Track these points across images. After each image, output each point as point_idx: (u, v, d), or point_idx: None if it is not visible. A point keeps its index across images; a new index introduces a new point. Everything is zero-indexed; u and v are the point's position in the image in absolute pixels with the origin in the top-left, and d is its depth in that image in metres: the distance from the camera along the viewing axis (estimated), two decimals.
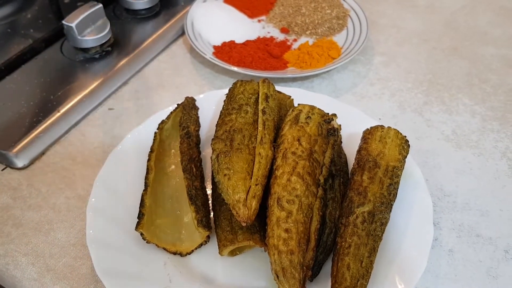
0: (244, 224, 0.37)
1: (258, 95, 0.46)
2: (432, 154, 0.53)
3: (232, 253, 0.42)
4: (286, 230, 0.37)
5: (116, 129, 0.55)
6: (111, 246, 0.42)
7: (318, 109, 0.45)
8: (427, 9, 0.76)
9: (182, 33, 0.70)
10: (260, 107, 0.44)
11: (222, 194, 0.40)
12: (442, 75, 0.64)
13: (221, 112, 0.47)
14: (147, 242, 0.41)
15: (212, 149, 0.43)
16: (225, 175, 0.39)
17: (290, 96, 0.53)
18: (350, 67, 0.64)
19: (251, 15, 0.71)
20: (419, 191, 0.45)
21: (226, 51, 0.62)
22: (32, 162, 0.52)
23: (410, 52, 0.67)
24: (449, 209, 0.48)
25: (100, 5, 0.63)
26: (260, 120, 0.43)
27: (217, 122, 0.46)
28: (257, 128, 0.43)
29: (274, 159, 0.42)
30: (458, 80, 0.63)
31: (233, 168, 0.40)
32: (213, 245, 0.43)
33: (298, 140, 0.41)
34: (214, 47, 0.64)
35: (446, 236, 0.46)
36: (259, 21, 0.70)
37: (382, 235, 0.40)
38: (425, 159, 0.52)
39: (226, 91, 0.55)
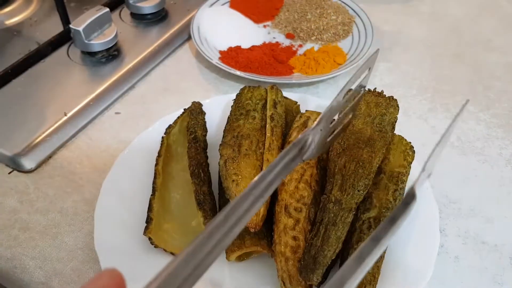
0: (252, 230, 0.38)
1: (265, 101, 0.46)
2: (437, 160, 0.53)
3: (239, 259, 0.42)
4: (294, 238, 0.37)
5: (123, 133, 0.56)
6: (119, 250, 0.42)
7: None
8: (431, 16, 0.77)
9: (188, 38, 0.70)
10: (268, 113, 0.44)
11: (230, 200, 0.40)
12: (447, 82, 0.64)
13: (228, 117, 0.48)
14: (155, 247, 0.41)
15: (220, 154, 0.43)
16: (233, 181, 0.39)
17: (297, 102, 0.53)
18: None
19: (256, 20, 0.71)
20: (425, 198, 0.46)
21: (233, 56, 0.63)
22: (39, 166, 0.52)
23: (415, 58, 0.68)
24: (454, 215, 0.48)
25: (107, 10, 0.63)
26: (268, 126, 0.43)
27: (225, 127, 0.46)
28: (265, 134, 0.43)
29: None
30: (462, 87, 0.63)
31: (241, 173, 0.40)
32: None
33: None
34: (220, 52, 0.65)
35: (452, 242, 0.46)
36: (264, 26, 0.71)
37: None
38: None
39: (232, 96, 0.56)
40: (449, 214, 0.48)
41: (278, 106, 0.46)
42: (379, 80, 0.64)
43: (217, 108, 0.55)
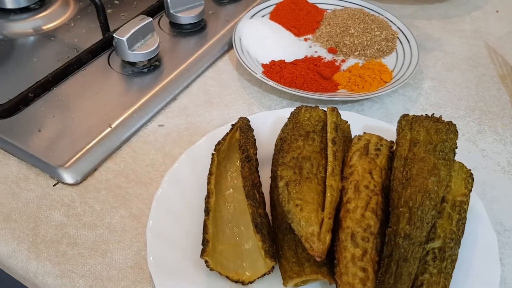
0: (318, 259, 0.37)
1: (324, 123, 0.45)
2: (489, 186, 0.52)
3: (296, 285, 0.41)
4: (363, 269, 0.36)
5: (167, 147, 0.55)
6: (172, 271, 0.41)
7: (386, 140, 0.45)
8: (472, 34, 0.76)
9: (228, 49, 0.69)
10: (330, 136, 0.43)
11: (293, 225, 0.39)
12: (493, 103, 0.63)
13: (283, 136, 0.46)
14: (210, 270, 0.40)
15: (279, 175, 0.42)
16: (297, 205, 0.38)
17: (347, 122, 0.52)
18: (400, 90, 0.63)
19: (297, 34, 0.70)
20: (482, 227, 0.45)
21: (277, 70, 0.61)
22: (84, 178, 0.51)
23: (459, 78, 0.67)
24: (510, 244, 0.47)
25: (150, 19, 0.62)
26: (330, 150, 0.42)
27: (281, 146, 0.45)
28: (325, 157, 0.42)
29: (343, 190, 0.41)
30: (509, 109, 0.62)
31: (304, 198, 0.39)
32: (274, 274, 0.42)
33: (370, 173, 0.40)
34: (263, 65, 0.64)
35: (509, 273, 0.45)
36: (305, 39, 0.70)
37: (452, 272, 0.40)
38: (483, 191, 0.51)
39: (278, 112, 0.55)
40: (505, 243, 0.47)
41: (339, 129, 0.44)
42: (426, 99, 0.63)
43: (263, 124, 0.54)
